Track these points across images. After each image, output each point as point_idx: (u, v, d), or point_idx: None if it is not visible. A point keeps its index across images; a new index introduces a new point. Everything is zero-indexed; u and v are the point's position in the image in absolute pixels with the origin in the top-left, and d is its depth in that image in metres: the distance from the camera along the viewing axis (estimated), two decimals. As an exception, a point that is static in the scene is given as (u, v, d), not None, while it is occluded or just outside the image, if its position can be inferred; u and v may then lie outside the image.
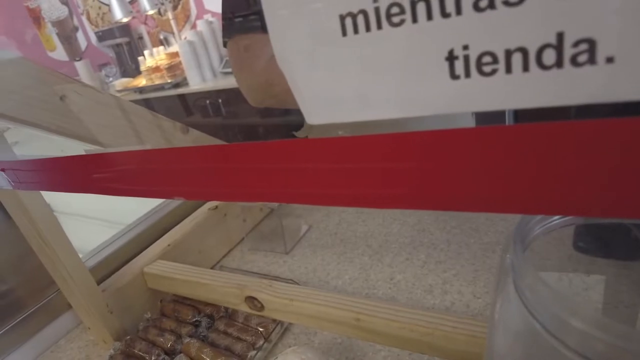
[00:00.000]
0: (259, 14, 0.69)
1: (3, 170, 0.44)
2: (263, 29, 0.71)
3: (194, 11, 2.61)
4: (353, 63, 0.18)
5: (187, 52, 2.25)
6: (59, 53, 3.07)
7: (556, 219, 0.22)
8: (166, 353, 0.52)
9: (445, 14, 0.16)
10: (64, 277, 0.53)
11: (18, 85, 0.49)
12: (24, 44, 2.95)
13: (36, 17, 2.98)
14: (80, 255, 0.55)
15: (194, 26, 2.59)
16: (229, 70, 2.31)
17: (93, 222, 1.07)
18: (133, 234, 0.72)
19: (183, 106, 2.37)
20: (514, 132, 0.17)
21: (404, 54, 0.17)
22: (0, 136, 0.44)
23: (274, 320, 0.53)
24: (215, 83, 2.26)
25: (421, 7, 0.16)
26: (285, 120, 0.94)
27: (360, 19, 0.17)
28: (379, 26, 0.17)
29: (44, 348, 0.63)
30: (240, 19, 0.71)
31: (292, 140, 0.24)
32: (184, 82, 2.38)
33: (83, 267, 0.53)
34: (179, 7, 2.62)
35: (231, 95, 2.10)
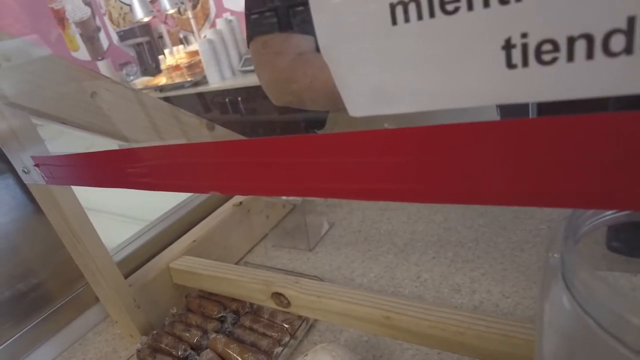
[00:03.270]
0: (280, 15, 0.69)
1: (37, 165, 0.45)
2: (282, 28, 0.72)
3: (213, 10, 2.63)
4: (403, 53, 0.18)
5: (206, 51, 2.27)
6: (82, 53, 3.14)
7: (609, 214, 0.22)
8: (192, 348, 0.53)
9: (503, 1, 0.15)
10: (94, 272, 0.54)
11: (50, 82, 0.50)
12: (49, 44, 3.02)
13: (60, 18, 3.05)
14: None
15: (213, 25, 2.61)
16: (248, 68, 2.32)
17: (116, 218, 1.09)
18: (158, 230, 0.72)
19: (202, 104, 2.40)
20: (541, 125, 0.17)
21: (458, 43, 0.17)
22: (35, 133, 0.45)
23: (300, 317, 0.53)
24: (234, 81, 2.28)
25: (478, -6, 0.15)
26: (306, 118, 0.93)
27: (412, 7, 0.17)
28: (432, 14, 0.17)
29: (73, 340, 0.64)
30: (262, 20, 0.71)
31: (326, 135, 0.23)
32: (203, 81, 2.41)
33: (112, 263, 0.54)
34: (199, 6, 2.65)
35: (250, 94, 2.11)
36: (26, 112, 0.45)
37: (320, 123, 0.88)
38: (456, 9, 0.16)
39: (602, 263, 0.51)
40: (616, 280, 0.29)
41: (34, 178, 0.46)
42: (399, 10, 0.17)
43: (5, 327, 0.59)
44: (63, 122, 0.50)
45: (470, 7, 0.16)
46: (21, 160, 0.46)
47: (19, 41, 0.51)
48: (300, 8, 0.69)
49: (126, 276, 0.60)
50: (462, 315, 0.39)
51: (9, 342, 0.58)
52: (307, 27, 0.69)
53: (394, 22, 0.17)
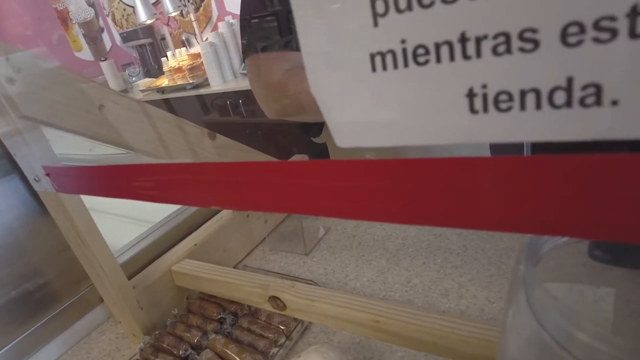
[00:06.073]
0: (275, 32, 0.71)
1: (48, 175, 0.47)
2: (277, 45, 0.74)
3: (215, 13, 2.65)
4: (381, 95, 0.20)
5: (208, 53, 2.29)
6: (85, 53, 3.17)
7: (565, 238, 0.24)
8: (193, 348, 0.55)
9: (466, 57, 0.18)
10: (99, 274, 0.56)
11: (59, 95, 0.53)
12: (52, 44, 3.04)
13: (64, 18, 3.07)
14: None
15: (215, 27, 2.64)
16: (249, 71, 2.34)
17: (118, 219, 1.11)
18: (160, 233, 0.75)
19: (203, 106, 2.42)
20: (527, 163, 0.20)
21: (427, 89, 0.19)
22: (46, 144, 0.47)
23: (295, 319, 0.56)
24: (236, 84, 2.30)
25: (445, 50, 0.18)
26: (303, 125, 0.96)
27: (388, 58, 0.19)
28: (406, 64, 0.19)
29: (77, 340, 0.66)
30: (258, 36, 0.73)
31: (316, 162, 0.26)
32: (205, 83, 2.43)
33: (117, 266, 0.57)
34: (201, 8, 2.67)
35: (251, 96, 2.13)
36: (38, 124, 0.48)
37: (317, 130, 0.90)
38: (427, 61, 0.19)
39: (583, 271, 0.53)
40: (582, 291, 0.32)
41: (45, 186, 0.49)
42: (378, 59, 0.20)
43: (12, 326, 0.62)
44: (73, 132, 0.52)
45: (438, 60, 0.18)
46: (32, 169, 0.49)
47: (27, 54, 0.53)
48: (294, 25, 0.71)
49: (129, 277, 0.62)
50: (447, 320, 0.42)
51: (16, 340, 0.61)
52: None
53: (374, 69, 0.20)
